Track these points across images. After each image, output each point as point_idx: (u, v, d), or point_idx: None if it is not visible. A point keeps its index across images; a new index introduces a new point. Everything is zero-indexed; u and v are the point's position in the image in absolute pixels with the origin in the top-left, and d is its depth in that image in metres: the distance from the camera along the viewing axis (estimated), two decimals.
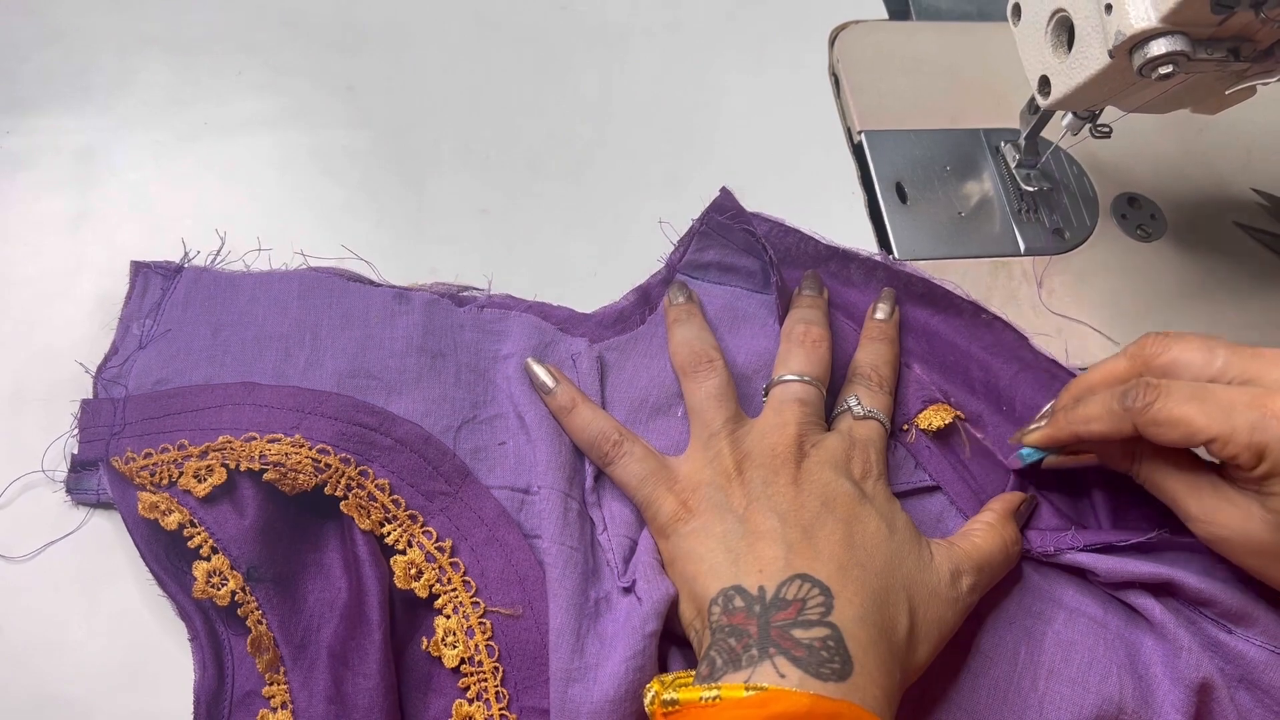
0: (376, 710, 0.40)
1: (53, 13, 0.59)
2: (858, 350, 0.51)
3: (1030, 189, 0.60)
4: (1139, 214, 0.61)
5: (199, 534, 0.42)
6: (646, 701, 0.38)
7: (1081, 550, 0.46)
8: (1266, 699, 0.44)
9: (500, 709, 0.42)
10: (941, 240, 0.58)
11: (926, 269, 0.54)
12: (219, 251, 0.52)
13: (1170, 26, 0.42)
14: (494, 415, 0.49)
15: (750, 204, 0.52)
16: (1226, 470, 0.41)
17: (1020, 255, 0.58)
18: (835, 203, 0.56)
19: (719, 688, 0.35)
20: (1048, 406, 0.48)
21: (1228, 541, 0.41)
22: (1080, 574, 0.47)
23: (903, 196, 0.60)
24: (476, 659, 0.42)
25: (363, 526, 0.44)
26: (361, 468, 0.44)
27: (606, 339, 0.51)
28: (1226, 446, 0.39)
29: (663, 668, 0.43)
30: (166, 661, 0.42)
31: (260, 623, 0.41)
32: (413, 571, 0.43)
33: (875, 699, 0.36)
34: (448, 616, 0.43)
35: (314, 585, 0.43)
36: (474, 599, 0.43)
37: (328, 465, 0.44)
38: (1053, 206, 0.60)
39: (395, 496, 0.44)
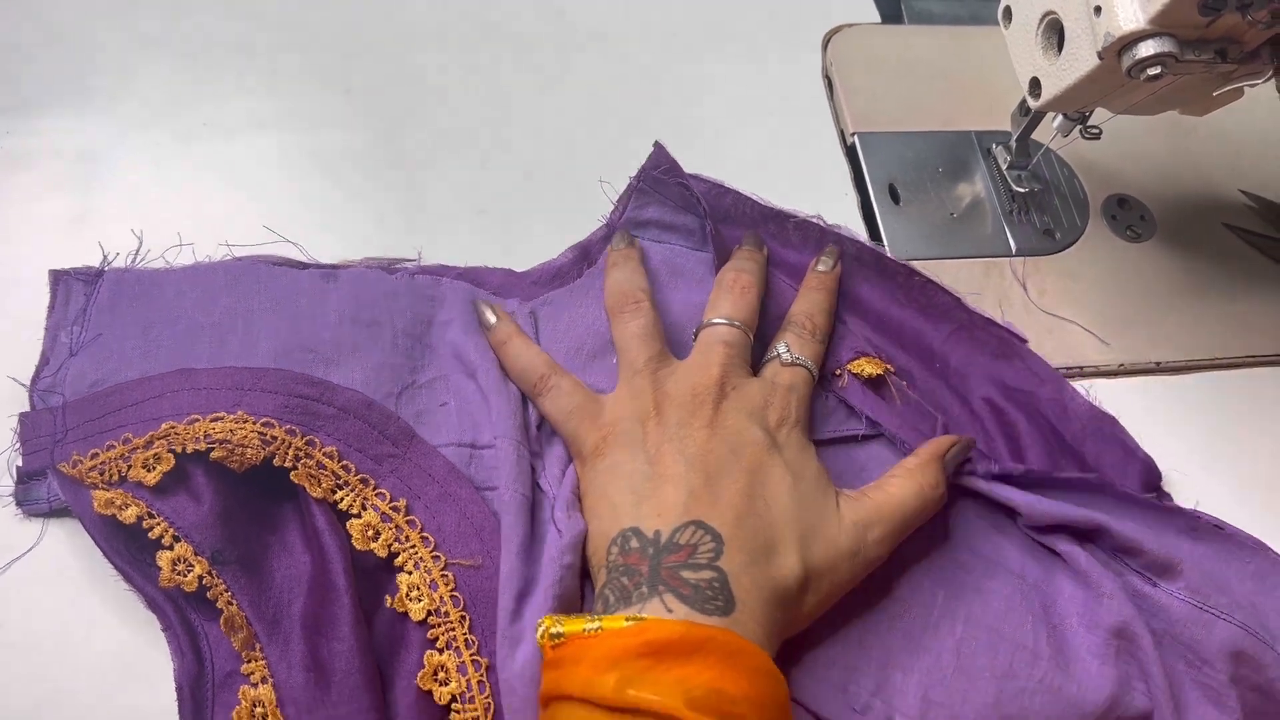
0: (354, 671, 0.41)
1: (53, 15, 0.60)
2: (795, 300, 0.52)
3: (1021, 190, 0.61)
4: (1129, 215, 0.62)
5: (158, 524, 0.42)
6: (538, 636, 0.38)
7: (1021, 477, 0.48)
8: (1189, 654, 0.45)
9: (471, 655, 0.43)
10: (934, 241, 0.59)
11: (920, 270, 0.55)
12: (138, 251, 0.52)
13: (1158, 28, 0.43)
14: (434, 378, 0.49)
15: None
16: None
17: (1012, 256, 0.59)
18: (829, 204, 0.56)
19: (601, 619, 0.37)
20: None
21: None
22: (1001, 530, 0.48)
23: (895, 198, 0.60)
24: (443, 610, 0.43)
25: (315, 495, 0.44)
26: (308, 437, 0.45)
27: (542, 295, 0.53)
28: None
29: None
30: (145, 658, 0.42)
31: (231, 603, 0.42)
32: (370, 533, 0.44)
33: (754, 633, 0.38)
34: (409, 572, 0.44)
35: (279, 562, 0.44)
36: (434, 553, 0.44)
37: (273, 437, 0.44)
38: (1043, 207, 0.61)
39: (345, 462, 0.45)
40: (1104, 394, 0.54)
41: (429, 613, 0.43)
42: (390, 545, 0.44)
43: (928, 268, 0.56)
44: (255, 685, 0.41)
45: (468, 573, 0.44)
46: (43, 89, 0.57)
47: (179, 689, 0.41)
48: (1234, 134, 0.66)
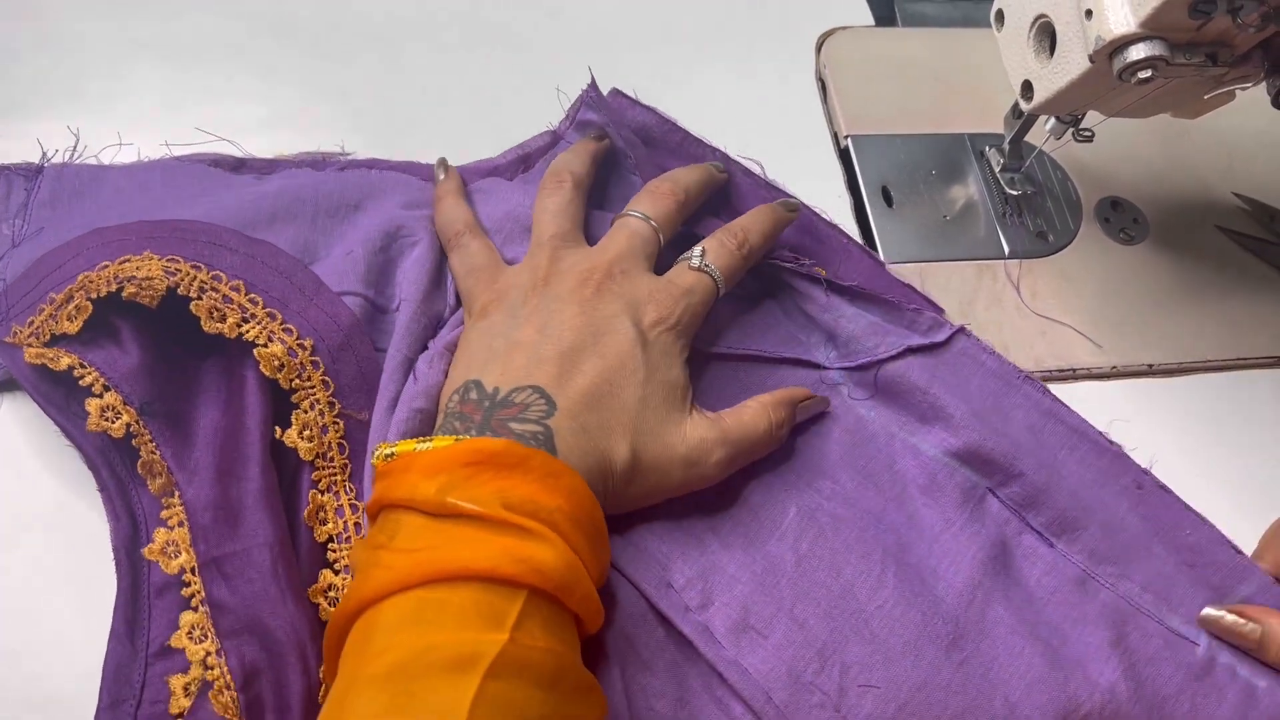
0: (259, 509, 0.43)
1: (45, 18, 0.60)
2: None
3: (1014, 193, 0.61)
4: (1122, 217, 0.62)
5: (89, 373, 0.43)
6: (373, 460, 0.40)
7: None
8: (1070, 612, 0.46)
9: (349, 499, 0.45)
10: (927, 243, 0.59)
11: (913, 273, 0.55)
12: (75, 148, 0.53)
13: (1149, 31, 0.43)
14: (347, 254, 0.49)
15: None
16: None
17: (1005, 258, 0.59)
18: (822, 206, 0.56)
19: (432, 440, 0.39)
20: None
21: None
22: (870, 470, 0.49)
23: (889, 200, 0.60)
24: (329, 455, 0.45)
25: (218, 329, 0.44)
26: (214, 272, 0.45)
27: (475, 184, 0.54)
28: None
29: None
30: (88, 529, 0.45)
31: (154, 452, 0.43)
32: (275, 364, 0.44)
33: (572, 467, 0.39)
34: (305, 411, 0.45)
35: (203, 414, 0.45)
36: (330, 398, 0.45)
37: (178, 270, 0.44)
38: (1036, 210, 0.61)
39: (251, 296, 0.45)
40: (1097, 396, 0.54)
41: (316, 455, 0.45)
42: (292, 381, 0.45)
43: (921, 270, 0.56)
44: (171, 528, 0.43)
45: (355, 425, 0.46)
46: (35, 93, 0.57)
47: (115, 550, 0.43)
48: (1227, 136, 0.67)
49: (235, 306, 0.45)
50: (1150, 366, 0.57)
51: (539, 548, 0.36)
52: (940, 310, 0.53)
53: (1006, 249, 0.59)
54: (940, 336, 0.51)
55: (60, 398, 0.45)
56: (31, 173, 0.52)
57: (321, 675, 0.41)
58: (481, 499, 0.36)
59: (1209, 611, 0.46)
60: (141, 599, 0.43)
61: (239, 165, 0.54)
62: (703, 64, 0.65)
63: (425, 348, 0.47)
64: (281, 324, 0.45)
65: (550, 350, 0.43)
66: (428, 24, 0.64)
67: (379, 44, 0.63)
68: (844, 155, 0.62)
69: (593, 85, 0.56)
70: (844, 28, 0.68)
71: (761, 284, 0.53)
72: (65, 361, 0.43)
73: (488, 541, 0.35)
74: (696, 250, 0.49)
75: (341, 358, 0.46)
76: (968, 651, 0.43)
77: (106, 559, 0.43)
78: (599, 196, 0.55)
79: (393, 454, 0.39)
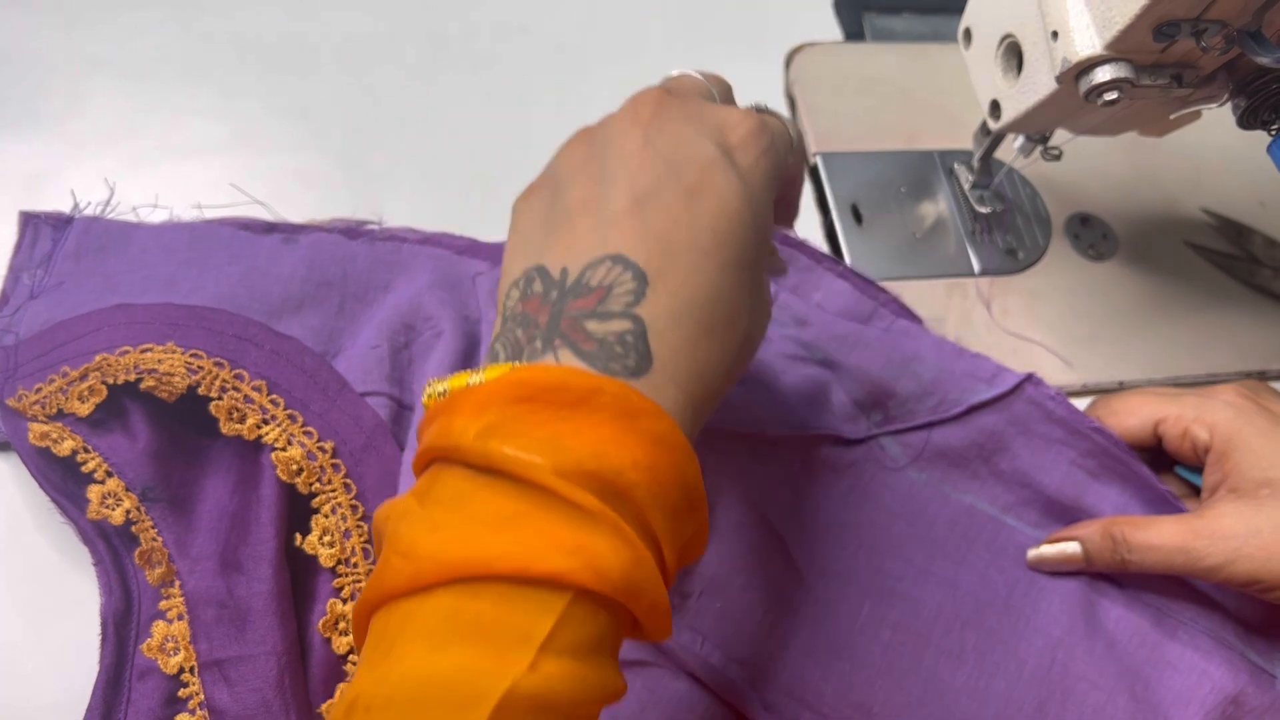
0: (270, 614, 0.41)
1: (1, 36, 0.59)
2: None
3: (984, 210, 0.60)
4: (1091, 233, 0.62)
5: (92, 458, 0.42)
6: (424, 400, 0.32)
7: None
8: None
9: None
10: (897, 261, 0.59)
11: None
12: (109, 202, 0.52)
13: (1114, 54, 0.42)
14: (375, 348, 0.48)
15: None
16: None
17: (975, 275, 0.59)
18: None
19: (484, 371, 0.30)
20: None
21: (1241, 554, 0.40)
22: (932, 538, 0.47)
23: (858, 218, 0.60)
24: (352, 561, 0.43)
25: (236, 431, 0.44)
26: (236, 371, 0.44)
27: None
28: (1176, 424, 0.44)
29: None
30: (78, 596, 0.43)
31: (155, 539, 0.42)
32: (294, 468, 0.43)
33: (674, 400, 0.30)
34: (326, 516, 0.44)
35: (210, 501, 0.44)
36: (352, 501, 0.44)
37: (200, 367, 0.44)
38: (1006, 227, 0.61)
39: (273, 397, 0.45)
40: None
41: (338, 561, 0.43)
42: (311, 485, 0.44)
43: (891, 288, 0.56)
44: (170, 621, 0.42)
45: None
46: None
47: (103, 624, 0.42)
48: (1195, 152, 0.67)
49: (256, 407, 0.44)
50: (1121, 383, 0.57)
51: (598, 536, 0.27)
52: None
53: (977, 266, 0.59)
54: (1006, 386, 0.48)
55: (58, 476, 0.43)
56: (60, 223, 0.51)
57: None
58: (530, 445, 0.27)
59: (1031, 555, 0.47)
60: (123, 680, 0.41)
61: (269, 229, 0.52)
62: None
63: None
64: (302, 426, 0.44)
65: (622, 201, 0.31)
66: (391, 41, 0.64)
67: (341, 61, 0.62)
68: (813, 173, 0.62)
69: None
70: (813, 43, 0.68)
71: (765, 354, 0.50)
72: (68, 445, 0.42)
73: (529, 520, 0.27)
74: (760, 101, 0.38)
75: (365, 459, 0.45)
76: (1052, 716, 0.43)
77: (91, 625, 0.42)
78: None
79: (445, 390, 0.30)
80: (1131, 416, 0.44)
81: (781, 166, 0.35)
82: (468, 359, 0.48)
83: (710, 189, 0.32)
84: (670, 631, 0.30)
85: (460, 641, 0.26)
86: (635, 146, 0.32)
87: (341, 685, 0.41)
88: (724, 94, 0.38)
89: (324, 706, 0.41)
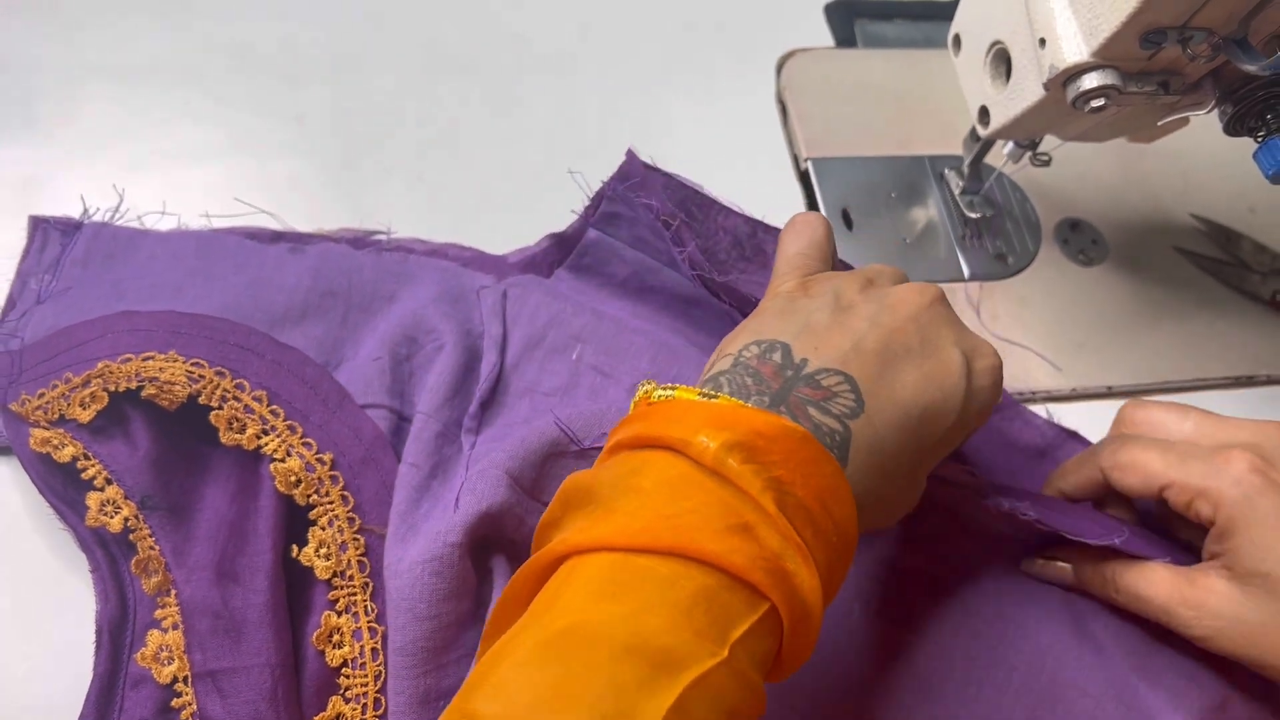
0: (265, 625, 0.41)
1: None
2: None
3: (974, 215, 0.61)
4: (1081, 239, 0.62)
5: (93, 465, 0.43)
6: (635, 398, 0.36)
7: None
8: None
9: (368, 622, 0.43)
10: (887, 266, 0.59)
11: None
12: (118, 208, 0.52)
13: (1101, 61, 0.43)
14: (376, 360, 0.48)
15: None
16: (1201, 552, 0.42)
17: (965, 280, 0.59)
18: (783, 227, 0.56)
19: (720, 395, 0.34)
20: None
21: (1223, 634, 0.40)
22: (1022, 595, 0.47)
23: (849, 223, 0.60)
24: (348, 573, 0.43)
25: (236, 441, 0.44)
26: (238, 380, 0.45)
27: (515, 277, 0.52)
28: (1181, 493, 0.41)
29: None
30: (75, 603, 0.43)
31: (153, 548, 0.42)
32: (292, 479, 0.44)
33: (853, 484, 0.34)
34: (323, 528, 0.44)
35: (209, 512, 0.44)
36: (350, 514, 0.44)
37: (201, 376, 0.44)
38: (996, 232, 0.61)
39: (273, 407, 0.45)
40: (1056, 419, 0.54)
41: (334, 574, 0.43)
42: (309, 497, 0.44)
43: None
44: (165, 630, 0.42)
45: (377, 541, 0.44)
46: None
47: (98, 631, 0.42)
48: (1184, 157, 0.67)
49: (256, 417, 0.44)
50: (1109, 388, 0.57)
51: (802, 565, 0.31)
52: None
53: (966, 271, 0.60)
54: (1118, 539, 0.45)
55: (59, 482, 0.43)
56: (70, 228, 0.51)
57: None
58: (757, 484, 0.31)
59: (1025, 564, 0.47)
60: (116, 689, 0.41)
61: (276, 238, 0.53)
62: (662, 87, 0.65)
63: (436, 454, 0.45)
64: (301, 437, 0.45)
65: (873, 344, 0.37)
66: (385, 50, 0.64)
67: (335, 69, 0.62)
68: (804, 178, 0.62)
69: (621, 175, 0.50)
70: (804, 49, 0.68)
71: None
72: (69, 452, 0.43)
73: (755, 532, 0.31)
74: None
75: (363, 472, 0.45)
76: None
77: (86, 632, 0.42)
78: (635, 284, 0.52)
79: (671, 394, 0.34)
80: (1135, 475, 0.42)
81: (993, 405, 0.41)
82: (468, 373, 0.48)
83: (941, 381, 0.37)
84: (793, 671, 0.34)
85: (667, 608, 0.29)
86: (907, 315, 0.38)
87: (335, 699, 0.41)
88: (899, 277, 0.43)
89: (316, 718, 0.41)
